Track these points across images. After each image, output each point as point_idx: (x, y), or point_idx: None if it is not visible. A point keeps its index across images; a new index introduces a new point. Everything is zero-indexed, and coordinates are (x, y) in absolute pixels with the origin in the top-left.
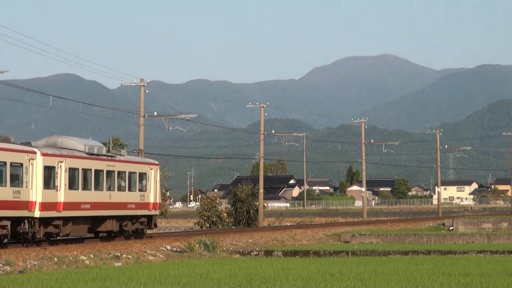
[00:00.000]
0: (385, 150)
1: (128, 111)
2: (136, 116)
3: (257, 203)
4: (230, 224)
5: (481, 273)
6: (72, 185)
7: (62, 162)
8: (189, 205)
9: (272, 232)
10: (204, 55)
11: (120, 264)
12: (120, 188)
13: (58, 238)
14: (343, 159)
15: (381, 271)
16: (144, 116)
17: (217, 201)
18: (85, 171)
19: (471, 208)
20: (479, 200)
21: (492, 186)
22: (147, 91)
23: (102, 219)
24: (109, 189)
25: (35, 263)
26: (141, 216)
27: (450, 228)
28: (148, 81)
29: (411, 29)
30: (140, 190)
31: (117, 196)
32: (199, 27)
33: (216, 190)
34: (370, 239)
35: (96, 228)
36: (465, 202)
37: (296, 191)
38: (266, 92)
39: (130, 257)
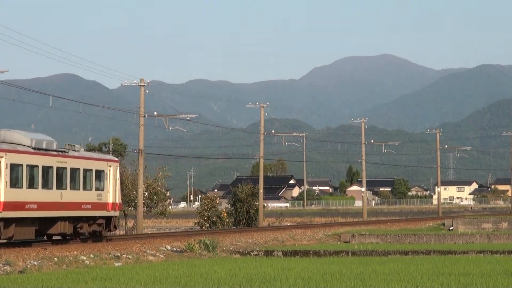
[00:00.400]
0: (385, 150)
1: (128, 111)
2: (136, 116)
3: (257, 203)
4: (230, 224)
5: (481, 273)
6: (14, 183)
7: (2, 157)
8: (193, 205)
9: (272, 232)
10: (204, 55)
11: (120, 264)
12: (74, 187)
13: None
14: (343, 159)
15: (381, 271)
16: (144, 116)
17: (217, 201)
18: (31, 167)
19: (471, 208)
20: (479, 200)
21: (492, 186)
22: (147, 91)
23: (53, 220)
24: (60, 187)
25: (35, 263)
26: (99, 217)
27: (450, 228)
28: (148, 81)
29: (411, 29)
30: (97, 189)
31: (69, 196)
32: (199, 27)
33: (216, 190)
34: (370, 239)
35: (46, 231)
36: (465, 202)
37: (296, 191)
38: (266, 92)
39: (130, 257)
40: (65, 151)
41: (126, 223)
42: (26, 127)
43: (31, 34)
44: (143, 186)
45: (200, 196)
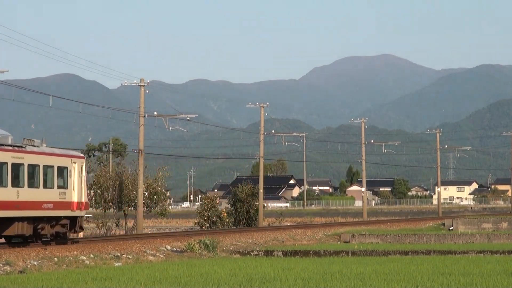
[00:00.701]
0: (385, 150)
1: (128, 111)
2: (136, 116)
3: (257, 203)
4: (230, 224)
5: (481, 273)
6: None
7: None
8: (194, 205)
9: (272, 232)
10: (204, 55)
11: (120, 264)
12: (32, 185)
13: None
14: (343, 159)
15: (381, 271)
16: (144, 116)
17: (217, 201)
18: None
19: (471, 208)
20: (479, 200)
21: (492, 186)
22: (147, 91)
23: (9, 221)
24: (16, 185)
25: (35, 263)
26: (63, 217)
27: (450, 228)
28: (148, 81)
29: (411, 29)
30: (60, 187)
31: (27, 194)
32: (199, 27)
33: (216, 190)
34: (370, 239)
35: (1, 232)
36: (465, 202)
37: (296, 191)
38: (266, 92)
39: (130, 257)
40: (22, 147)
41: (126, 223)
42: (26, 127)
43: (31, 34)
44: (143, 186)
45: (200, 196)
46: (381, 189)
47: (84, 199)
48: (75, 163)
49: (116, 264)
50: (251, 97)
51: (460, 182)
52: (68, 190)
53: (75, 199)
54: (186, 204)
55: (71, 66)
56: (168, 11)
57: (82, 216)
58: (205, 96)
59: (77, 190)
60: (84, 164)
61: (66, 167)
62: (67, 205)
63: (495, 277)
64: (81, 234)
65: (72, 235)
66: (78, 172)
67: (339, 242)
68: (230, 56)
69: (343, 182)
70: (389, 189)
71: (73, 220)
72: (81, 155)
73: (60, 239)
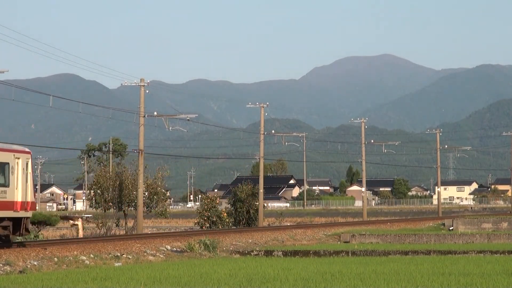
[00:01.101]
0: (385, 150)
1: (128, 111)
2: (136, 116)
3: (257, 203)
4: (230, 224)
5: (481, 273)
6: None
7: None
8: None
9: (272, 232)
10: (204, 55)
11: (120, 264)
12: None
13: None
14: (343, 159)
15: (381, 271)
16: (144, 116)
17: (217, 201)
18: None
19: (471, 208)
20: (479, 200)
21: (492, 186)
22: (147, 91)
23: None
24: None
25: (35, 263)
26: (4, 218)
27: (450, 228)
28: (148, 81)
29: (411, 29)
30: (0, 185)
31: None
32: (199, 27)
33: (216, 190)
34: (370, 239)
35: None
36: (465, 202)
37: (296, 191)
38: (266, 92)
39: (130, 257)
40: None
41: (126, 223)
42: (26, 127)
43: (31, 34)
44: (143, 186)
45: (200, 196)
46: (381, 189)
47: (30, 198)
48: (18, 158)
49: (116, 264)
50: (251, 97)
51: (460, 182)
52: (10, 188)
53: (18, 198)
54: (191, 204)
55: (71, 66)
56: (168, 11)
57: (27, 218)
58: (205, 96)
59: (21, 189)
60: (30, 160)
61: (8, 163)
62: (9, 205)
63: (495, 277)
64: (81, 234)
65: (18, 238)
66: (22, 169)
67: (339, 242)
68: (230, 56)
69: (343, 182)
70: (389, 189)
71: (18, 221)
72: (27, 150)
73: (2, 243)
